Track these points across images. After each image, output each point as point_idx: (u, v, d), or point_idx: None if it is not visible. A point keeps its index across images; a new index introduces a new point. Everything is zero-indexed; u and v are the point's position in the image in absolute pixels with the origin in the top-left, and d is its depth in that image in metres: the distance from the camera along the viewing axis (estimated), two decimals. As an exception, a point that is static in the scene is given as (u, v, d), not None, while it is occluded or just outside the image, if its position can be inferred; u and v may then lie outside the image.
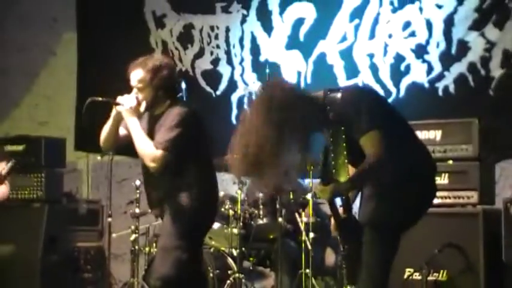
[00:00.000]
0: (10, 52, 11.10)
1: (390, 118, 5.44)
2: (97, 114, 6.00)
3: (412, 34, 8.94)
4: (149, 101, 6.11)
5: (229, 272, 8.05)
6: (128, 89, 6.17)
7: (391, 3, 8.98)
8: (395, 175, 5.25)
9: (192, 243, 6.17)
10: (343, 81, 9.21)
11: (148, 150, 5.91)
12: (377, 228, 5.32)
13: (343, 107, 5.35)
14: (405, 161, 5.31)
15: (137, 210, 8.45)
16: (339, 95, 5.45)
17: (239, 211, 8.07)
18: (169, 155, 5.90)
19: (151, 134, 6.10)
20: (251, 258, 8.36)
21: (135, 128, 6.00)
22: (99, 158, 9.02)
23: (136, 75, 6.08)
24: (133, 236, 8.50)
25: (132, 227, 8.52)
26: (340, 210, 5.56)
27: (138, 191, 8.32)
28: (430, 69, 8.84)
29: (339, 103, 5.42)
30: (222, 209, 8.03)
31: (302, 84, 9.40)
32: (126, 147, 6.38)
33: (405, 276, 6.58)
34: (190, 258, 6.11)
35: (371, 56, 9.17)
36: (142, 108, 6.10)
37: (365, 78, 8.87)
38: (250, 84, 9.80)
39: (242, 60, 9.88)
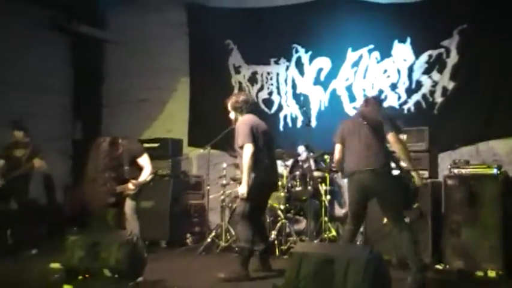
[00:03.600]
0: (149, 90, 11.11)
1: None
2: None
3: (388, 77, 8.96)
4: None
5: (278, 218, 8.16)
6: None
7: (376, 58, 9.03)
8: None
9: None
10: (347, 105, 9.26)
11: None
12: None
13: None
14: None
15: (224, 182, 8.73)
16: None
17: (284, 182, 8.19)
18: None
19: None
20: (291, 211, 8.37)
21: None
22: (202, 150, 9.12)
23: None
24: (221, 197, 8.79)
25: (221, 192, 8.82)
26: None
27: (224, 170, 8.62)
28: (399, 97, 8.91)
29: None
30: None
31: (322, 107, 9.54)
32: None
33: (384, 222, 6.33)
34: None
35: (364, 89, 9.16)
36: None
37: (359, 103, 8.45)
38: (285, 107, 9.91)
39: (286, 92, 9.87)
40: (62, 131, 11.59)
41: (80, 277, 5.81)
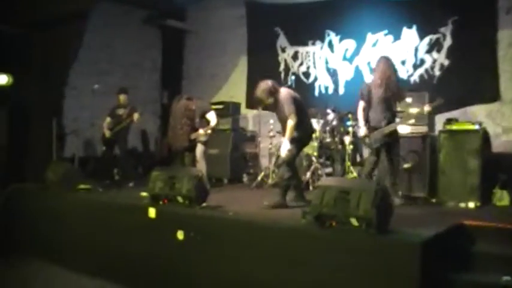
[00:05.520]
0: (217, 66, 11.17)
1: None
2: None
3: (400, 55, 8.74)
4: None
5: (312, 163, 8.13)
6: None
7: (390, 40, 8.85)
8: None
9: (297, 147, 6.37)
10: (367, 76, 8.98)
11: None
12: None
13: None
14: None
15: (271, 134, 8.75)
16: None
17: (317, 135, 8.16)
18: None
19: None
20: (322, 157, 8.35)
21: None
22: (255, 111, 9.14)
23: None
24: (269, 146, 8.81)
25: (269, 142, 8.83)
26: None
27: (271, 126, 8.61)
28: (407, 71, 8.71)
29: None
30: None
31: (348, 78, 9.43)
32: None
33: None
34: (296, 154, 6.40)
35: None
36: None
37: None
38: (320, 78, 9.79)
39: (320, 66, 9.78)
40: (153, 97, 11.82)
41: (160, 202, 5.94)
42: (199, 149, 7.84)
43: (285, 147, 6.18)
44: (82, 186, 7.41)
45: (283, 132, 6.40)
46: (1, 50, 8.37)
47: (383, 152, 6.43)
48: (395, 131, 6.46)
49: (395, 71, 6.52)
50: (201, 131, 7.64)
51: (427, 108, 6.35)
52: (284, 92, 6.36)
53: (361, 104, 6.52)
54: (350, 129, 8.21)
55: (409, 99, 6.87)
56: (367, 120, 6.51)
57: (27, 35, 8.56)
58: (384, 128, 6.35)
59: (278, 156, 7.94)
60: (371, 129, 6.46)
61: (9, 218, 7.41)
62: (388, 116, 6.39)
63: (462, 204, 6.45)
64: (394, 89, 6.35)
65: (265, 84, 6.34)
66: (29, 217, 7.25)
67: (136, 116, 8.55)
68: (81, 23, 8.85)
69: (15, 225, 7.36)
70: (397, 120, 6.60)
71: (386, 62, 6.45)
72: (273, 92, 6.31)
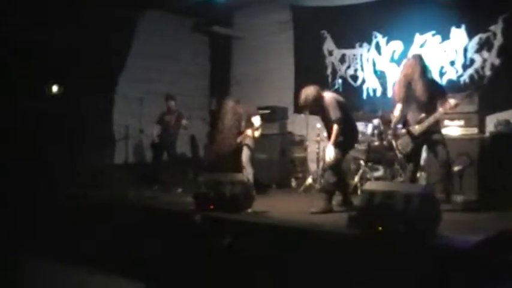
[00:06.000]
0: (263, 71, 11.16)
1: None
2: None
3: (448, 55, 8.57)
4: None
5: (360, 167, 8.06)
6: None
7: (438, 40, 8.66)
8: None
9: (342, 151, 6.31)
10: None
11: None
12: None
13: None
14: None
15: (319, 138, 8.67)
16: None
17: (365, 138, 8.09)
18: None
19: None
20: (371, 161, 8.20)
21: None
22: (302, 115, 9.06)
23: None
24: (316, 151, 8.74)
25: (317, 146, 8.76)
26: None
27: (318, 130, 8.51)
28: (457, 71, 8.51)
29: None
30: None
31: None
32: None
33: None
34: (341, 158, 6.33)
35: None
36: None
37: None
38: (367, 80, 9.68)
39: (368, 69, 9.68)
40: (201, 104, 11.89)
41: (206, 207, 5.96)
42: (246, 153, 7.88)
43: (330, 151, 6.15)
44: (131, 192, 7.53)
45: (328, 136, 6.35)
46: (52, 59, 8.63)
47: (424, 155, 6.32)
48: (432, 132, 6.09)
49: (425, 69, 6.16)
50: (248, 132, 7.76)
51: (452, 102, 5.93)
52: (329, 97, 6.33)
53: (398, 106, 6.33)
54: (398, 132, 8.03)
55: (452, 100, 6.24)
56: (404, 124, 6.31)
57: (77, 44, 8.76)
58: (411, 129, 6.13)
59: (325, 161, 7.98)
60: (402, 133, 6.28)
61: (62, 222, 7.59)
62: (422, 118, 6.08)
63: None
64: (426, 89, 6.02)
65: (309, 89, 6.30)
66: (81, 221, 7.40)
67: (184, 122, 8.67)
68: (129, 31, 9.05)
69: (67, 229, 7.53)
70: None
71: (410, 61, 6.25)
72: (317, 98, 6.27)
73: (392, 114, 6.42)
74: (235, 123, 7.86)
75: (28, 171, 8.22)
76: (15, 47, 8.19)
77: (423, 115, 6.04)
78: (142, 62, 10.23)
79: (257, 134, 7.95)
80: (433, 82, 6.29)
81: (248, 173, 7.62)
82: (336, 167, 6.27)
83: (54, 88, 8.58)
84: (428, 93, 6.01)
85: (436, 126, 6.13)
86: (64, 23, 8.31)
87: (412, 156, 6.22)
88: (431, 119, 5.97)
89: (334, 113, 6.12)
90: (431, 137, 6.09)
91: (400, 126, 6.34)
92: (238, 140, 7.77)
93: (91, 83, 8.95)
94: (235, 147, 7.81)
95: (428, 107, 6.04)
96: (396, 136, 6.35)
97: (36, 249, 6.93)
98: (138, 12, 8.93)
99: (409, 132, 6.18)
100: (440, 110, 5.94)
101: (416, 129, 6.06)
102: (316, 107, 6.33)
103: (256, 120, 7.93)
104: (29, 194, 7.86)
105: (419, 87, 6.01)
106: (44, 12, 8.12)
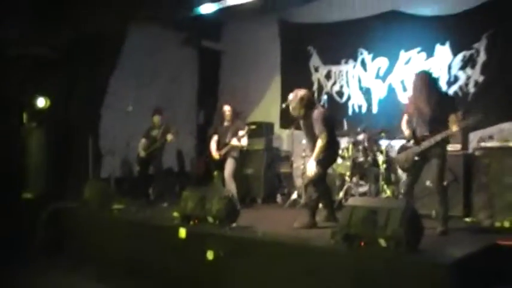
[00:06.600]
0: (251, 86, 11.22)
1: None
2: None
3: (433, 72, 8.26)
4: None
5: (345, 182, 8.10)
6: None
7: (423, 57, 8.70)
8: None
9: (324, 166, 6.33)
10: (400, 95, 8.97)
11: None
12: None
13: None
14: None
15: (304, 154, 8.63)
16: None
17: (350, 154, 8.12)
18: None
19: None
20: (356, 176, 8.11)
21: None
22: (287, 131, 9.11)
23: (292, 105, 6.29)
24: (302, 167, 8.71)
25: (302, 162, 8.74)
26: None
27: (304, 146, 8.45)
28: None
29: None
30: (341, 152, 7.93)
31: (381, 97, 9.31)
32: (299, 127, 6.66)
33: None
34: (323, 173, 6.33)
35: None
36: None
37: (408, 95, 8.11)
38: (353, 97, 9.70)
39: (353, 85, 9.70)
40: (189, 117, 11.84)
41: (191, 222, 5.98)
42: (229, 168, 7.91)
43: (311, 167, 6.14)
44: (116, 205, 7.55)
45: (309, 149, 6.34)
46: (39, 72, 8.65)
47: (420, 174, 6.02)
48: (437, 150, 5.79)
49: (432, 84, 5.99)
50: (233, 142, 7.93)
51: (463, 124, 5.70)
52: (318, 110, 6.31)
53: (405, 117, 6.15)
54: (383, 148, 8.10)
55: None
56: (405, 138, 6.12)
57: (64, 57, 8.77)
58: (413, 146, 5.91)
59: (304, 175, 8.08)
60: (401, 148, 6.15)
61: (49, 236, 7.60)
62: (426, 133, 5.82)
63: (497, 223, 6.27)
64: (435, 104, 5.77)
65: (303, 93, 6.31)
66: (66, 235, 7.44)
67: (169, 136, 8.68)
68: (116, 46, 9.07)
69: (54, 243, 7.55)
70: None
71: (418, 77, 5.98)
72: (308, 105, 6.27)
73: (401, 127, 6.20)
74: (220, 135, 8.07)
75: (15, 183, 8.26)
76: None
77: (426, 133, 5.80)
78: (130, 76, 10.22)
79: (244, 142, 8.02)
80: (443, 96, 6.13)
81: (231, 188, 7.65)
82: (318, 183, 6.27)
83: (40, 102, 8.55)
84: (438, 108, 5.75)
85: (442, 142, 5.83)
86: (50, 36, 8.30)
87: (412, 170, 6.01)
88: (438, 137, 5.70)
89: (320, 128, 6.12)
90: (432, 150, 5.80)
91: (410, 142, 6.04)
92: (223, 151, 7.88)
93: (77, 97, 8.95)
94: (220, 160, 7.94)
95: (438, 122, 5.75)
96: (399, 151, 6.18)
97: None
98: (125, 26, 8.91)
99: (414, 144, 5.93)
100: (454, 128, 5.63)
101: (424, 144, 5.78)
102: (302, 114, 6.29)
103: (242, 134, 7.99)
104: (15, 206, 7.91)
105: (427, 102, 5.77)
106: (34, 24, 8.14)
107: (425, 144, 5.77)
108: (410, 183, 6.05)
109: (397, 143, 6.39)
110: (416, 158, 5.86)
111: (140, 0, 8.04)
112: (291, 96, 6.34)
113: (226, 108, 8.37)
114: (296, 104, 6.25)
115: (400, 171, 8.20)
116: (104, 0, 7.87)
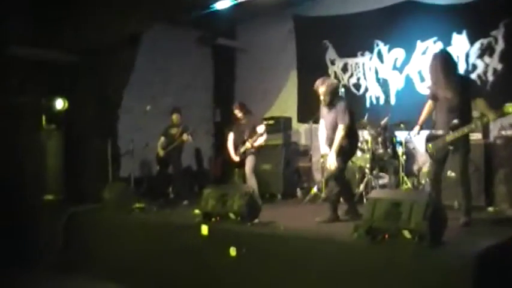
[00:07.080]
0: (268, 82, 11.21)
1: None
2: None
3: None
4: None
5: (365, 175, 8.04)
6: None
7: (439, 47, 8.52)
8: None
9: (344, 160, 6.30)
10: (418, 85, 8.92)
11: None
12: None
13: None
14: None
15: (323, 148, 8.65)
16: None
17: (370, 146, 8.07)
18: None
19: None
20: (376, 169, 8.12)
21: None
22: (305, 125, 9.09)
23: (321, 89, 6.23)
24: (321, 160, 8.70)
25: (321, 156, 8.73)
26: None
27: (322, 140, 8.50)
28: (460, 77, 8.51)
29: None
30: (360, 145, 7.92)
31: (399, 88, 9.27)
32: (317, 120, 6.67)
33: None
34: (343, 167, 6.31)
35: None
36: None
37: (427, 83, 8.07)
38: (370, 89, 9.67)
39: (370, 77, 9.66)
40: (206, 116, 11.92)
41: (213, 219, 5.99)
42: (249, 164, 7.92)
43: (332, 159, 6.11)
44: (137, 205, 7.58)
45: (328, 140, 6.31)
46: (57, 75, 8.71)
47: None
48: (462, 140, 5.47)
49: (452, 65, 5.56)
50: (248, 144, 7.90)
51: (499, 113, 5.26)
52: (343, 101, 6.30)
53: (428, 103, 5.85)
54: (402, 139, 8.06)
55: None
56: (433, 125, 5.86)
57: (82, 60, 8.83)
58: (446, 134, 5.48)
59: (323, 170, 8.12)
60: (432, 136, 5.69)
61: (69, 238, 7.64)
62: (454, 120, 5.42)
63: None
64: (453, 88, 5.40)
65: (335, 82, 6.44)
66: (87, 237, 7.48)
67: (185, 136, 8.70)
68: (133, 47, 9.11)
69: (74, 245, 7.58)
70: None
71: (436, 57, 5.56)
72: (335, 95, 6.32)
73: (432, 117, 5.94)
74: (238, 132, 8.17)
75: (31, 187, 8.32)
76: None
77: (456, 121, 5.39)
78: (147, 77, 10.28)
79: (262, 141, 8.00)
80: (463, 80, 5.71)
81: (252, 183, 7.65)
82: (339, 176, 6.24)
83: (58, 104, 8.62)
84: (457, 92, 5.39)
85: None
86: (67, 40, 8.37)
87: (441, 159, 5.66)
88: (465, 129, 5.36)
89: (343, 118, 6.10)
90: (457, 144, 5.48)
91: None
92: (242, 149, 7.90)
93: (95, 99, 9.01)
94: (240, 159, 7.95)
95: (460, 109, 5.44)
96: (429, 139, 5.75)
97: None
98: (142, 26, 8.94)
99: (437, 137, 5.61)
100: (491, 116, 5.26)
101: (449, 136, 5.43)
102: (327, 102, 6.26)
103: (260, 130, 8.00)
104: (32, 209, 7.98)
105: (444, 87, 5.43)
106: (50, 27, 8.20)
107: (459, 132, 5.35)
108: (438, 171, 5.72)
109: (418, 133, 6.12)
110: (450, 147, 5.45)
111: (157, 1, 8.03)
112: (319, 82, 6.31)
113: (236, 111, 8.31)
114: (326, 89, 6.23)
115: (420, 162, 8.22)
116: (122, 3, 7.87)
